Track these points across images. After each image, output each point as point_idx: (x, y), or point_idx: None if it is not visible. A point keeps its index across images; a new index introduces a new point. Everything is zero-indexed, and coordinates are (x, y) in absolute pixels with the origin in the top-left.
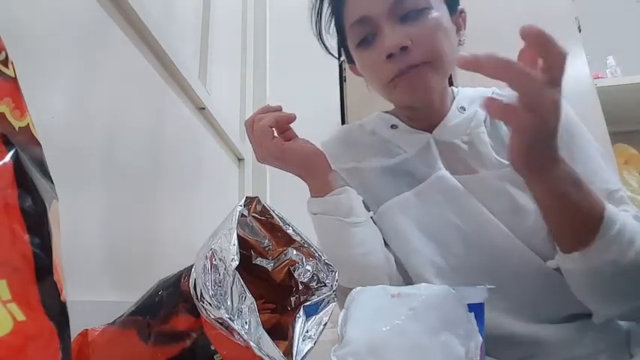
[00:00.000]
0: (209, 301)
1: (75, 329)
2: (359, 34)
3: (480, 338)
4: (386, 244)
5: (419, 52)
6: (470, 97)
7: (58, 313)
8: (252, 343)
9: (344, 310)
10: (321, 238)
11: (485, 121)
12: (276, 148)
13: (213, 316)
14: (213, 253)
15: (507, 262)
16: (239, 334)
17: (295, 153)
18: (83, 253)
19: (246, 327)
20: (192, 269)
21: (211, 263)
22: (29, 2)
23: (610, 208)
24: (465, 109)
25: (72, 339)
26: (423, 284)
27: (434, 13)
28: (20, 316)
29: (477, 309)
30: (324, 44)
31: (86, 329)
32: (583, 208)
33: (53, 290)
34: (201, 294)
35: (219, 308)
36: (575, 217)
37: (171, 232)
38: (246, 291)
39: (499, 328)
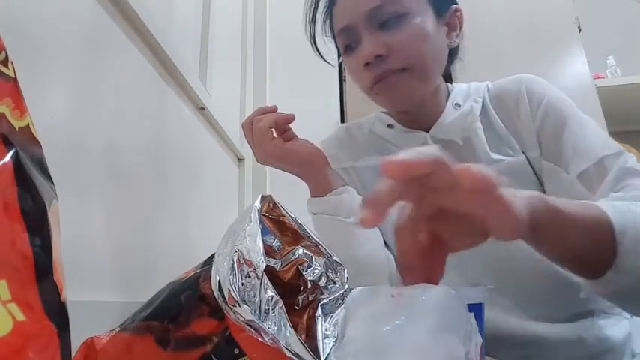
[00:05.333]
0: (239, 303)
1: (75, 329)
2: (344, 42)
3: (480, 338)
4: (386, 243)
5: (397, 58)
6: (464, 92)
7: (58, 313)
8: (282, 344)
9: (344, 309)
10: (322, 238)
11: (480, 115)
12: (277, 149)
13: (243, 319)
14: (239, 254)
15: (506, 260)
16: (270, 335)
17: (295, 153)
18: (83, 252)
19: (275, 328)
20: (214, 270)
21: (238, 265)
22: (29, 2)
23: (613, 215)
24: (460, 106)
25: (72, 340)
26: (423, 284)
27: (414, 19)
28: (20, 316)
29: (476, 309)
30: (316, 48)
31: (91, 337)
32: (587, 235)
33: (53, 290)
34: (230, 296)
35: (248, 310)
36: (587, 247)
37: (172, 231)
38: (275, 293)
39: (499, 326)
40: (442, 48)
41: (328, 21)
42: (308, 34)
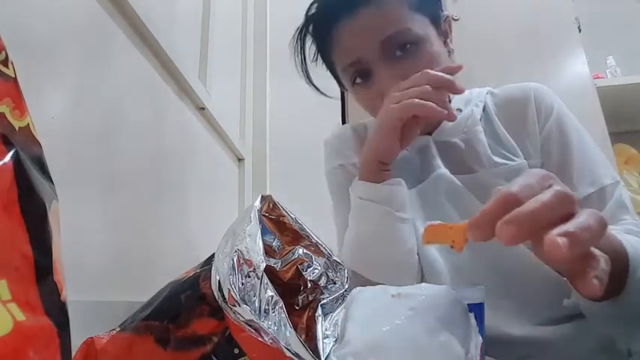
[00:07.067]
0: (239, 303)
1: (75, 329)
2: (353, 75)
3: (480, 338)
4: None
5: None
6: (465, 98)
7: (58, 313)
8: (282, 344)
9: (344, 309)
10: (361, 227)
11: (481, 119)
12: (405, 113)
13: (243, 319)
14: (239, 254)
15: (508, 261)
16: (270, 335)
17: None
18: (83, 252)
19: (275, 328)
20: (214, 270)
21: (238, 265)
22: (29, 2)
23: (630, 250)
24: (461, 111)
25: (72, 340)
26: (423, 284)
27: (424, 44)
28: (20, 316)
29: (476, 309)
30: (314, 86)
31: (91, 337)
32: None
33: (53, 290)
34: (230, 296)
35: (248, 310)
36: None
37: (171, 231)
38: (275, 293)
39: (499, 327)
40: (446, 60)
41: (322, 56)
42: (301, 71)
